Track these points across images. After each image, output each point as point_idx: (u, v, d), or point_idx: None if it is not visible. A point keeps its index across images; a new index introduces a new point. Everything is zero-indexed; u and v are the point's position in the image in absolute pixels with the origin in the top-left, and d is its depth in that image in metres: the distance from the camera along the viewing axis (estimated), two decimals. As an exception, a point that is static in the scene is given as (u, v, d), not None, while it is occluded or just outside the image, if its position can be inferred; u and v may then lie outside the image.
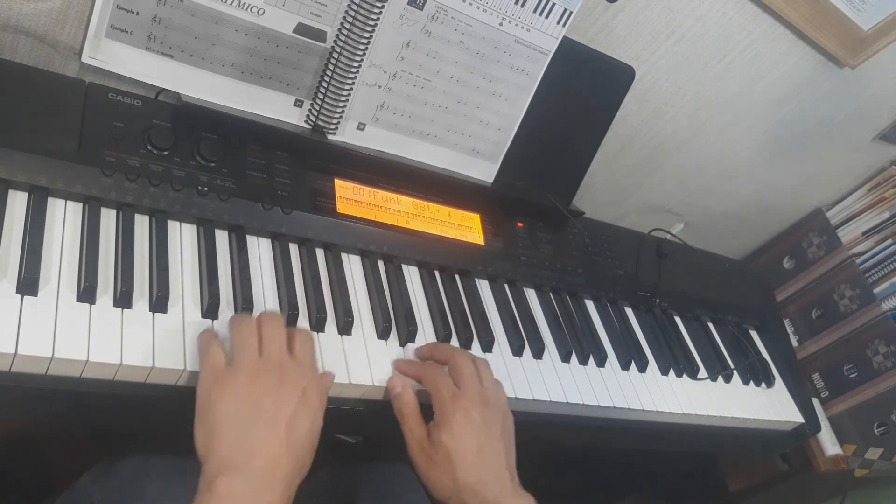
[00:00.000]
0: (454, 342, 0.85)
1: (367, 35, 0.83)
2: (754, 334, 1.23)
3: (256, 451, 0.60)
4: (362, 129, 0.90)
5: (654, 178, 1.31)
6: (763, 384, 1.13)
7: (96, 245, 0.69)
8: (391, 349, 0.80)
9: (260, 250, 0.79)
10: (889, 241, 1.37)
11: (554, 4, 0.89)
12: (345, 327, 0.78)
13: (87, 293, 0.65)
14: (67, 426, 1.05)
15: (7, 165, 0.68)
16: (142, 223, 0.73)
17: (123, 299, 0.67)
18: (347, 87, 0.86)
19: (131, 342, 0.65)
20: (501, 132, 0.98)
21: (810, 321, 1.47)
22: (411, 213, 0.91)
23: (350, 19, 0.82)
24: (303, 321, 0.76)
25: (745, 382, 1.11)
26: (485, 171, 1.00)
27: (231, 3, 0.78)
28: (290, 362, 0.66)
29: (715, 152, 1.29)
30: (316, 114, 0.87)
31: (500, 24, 0.89)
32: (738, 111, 1.21)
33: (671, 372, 1.02)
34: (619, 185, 1.30)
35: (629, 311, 1.08)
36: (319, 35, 0.83)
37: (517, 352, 0.89)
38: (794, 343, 1.47)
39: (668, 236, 1.21)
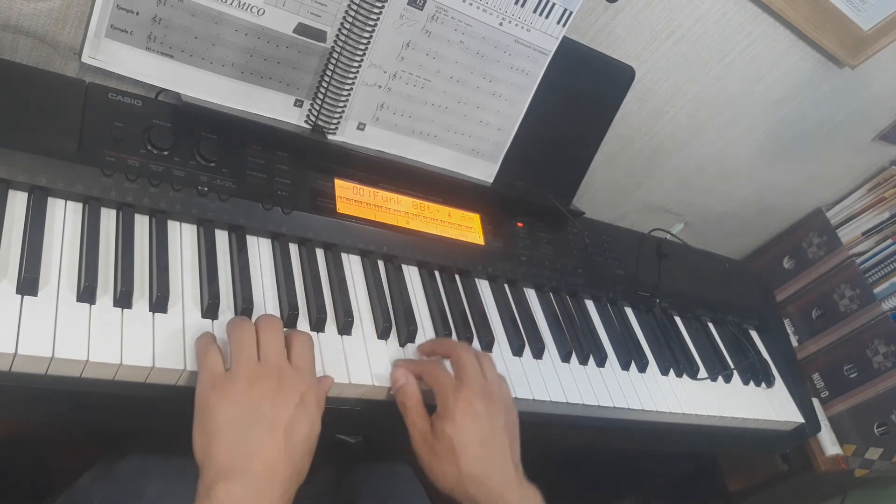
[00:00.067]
0: (454, 342, 0.85)
1: (367, 35, 0.83)
2: (754, 334, 1.23)
3: (255, 457, 0.60)
4: (362, 129, 0.90)
5: (654, 178, 1.31)
6: (763, 384, 1.13)
7: (96, 245, 0.69)
8: (391, 349, 0.80)
9: (260, 250, 0.79)
10: (889, 241, 1.37)
11: (554, 4, 0.89)
12: (345, 327, 0.78)
13: (87, 293, 0.65)
14: (67, 426, 1.05)
15: (7, 165, 0.67)
16: (142, 223, 0.73)
17: (123, 299, 0.67)
18: (347, 87, 0.86)
19: (131, 342, 0.65)
20: (501, 132, 0.98)
21: (810, 321, 1.47)
22: (411, 213, 0.91)
23: (350, 19, 0.82)
24: (303, 321, 0.76)
25: (745, 382, 1.11)
26: (485, 171, 1.00)
27: (231, 3, 0.78)
28: (289, 367, 0.66)
29: (715, 152, 1.29)
30: (316, 114, 0.87)
31: (500, 24, 0.89)
32: (738, 111, 1.21)
33: (671, 372, 1.02)
34: (619, 185, 1.30)
35: (629, 311, 1.08)
36: (319, 35, 0.83)
37: (517, 352, 0.89)
38: (794, 343, 1.47)
39: (668, 236, 1.20)
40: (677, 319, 1.13)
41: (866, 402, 1.36)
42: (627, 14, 1.01)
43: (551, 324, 0.96)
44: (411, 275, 0.89)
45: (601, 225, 1.14)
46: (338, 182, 0.87)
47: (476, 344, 0.87)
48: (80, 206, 0.71)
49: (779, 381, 1.16)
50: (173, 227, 0.75)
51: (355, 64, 0.85)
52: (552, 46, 0.93)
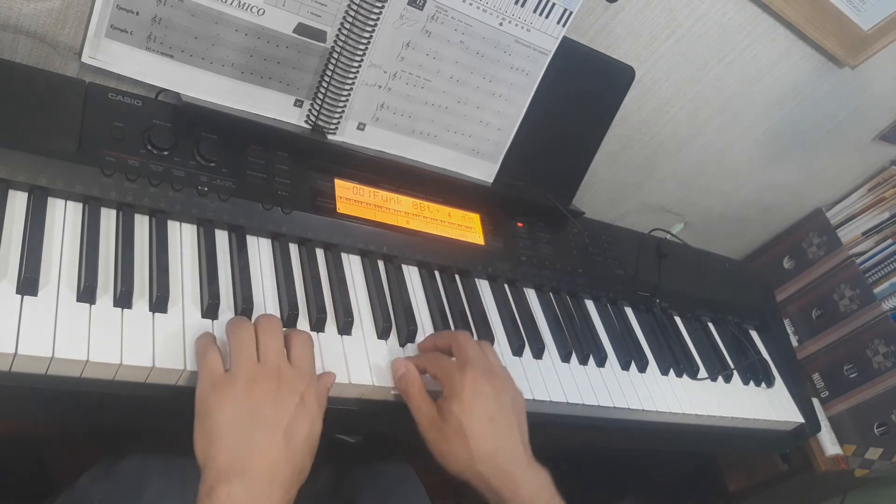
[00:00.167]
0: (454, 342, 0.85)
1: (367, 35, 0.83)
2: (754, 334, 1.23)
3: (255, 458, 0.60)
4: (362, 129, 0.90)
5: (654, 178, 1.31)
6: (763, 384, 1.13)
7: (96, 245, 0.69)
8: (391, 349, 0.80)
9: (260, 250, 0.79)
10: (889, 241, 1.37)
11: (554, 4, 0.89)
12: (345, 327, 0.78)
13: (87, 293, 0.65)
14: (67, 426, 1.05)
15: (7, 165, 0.67)
16: (142, 223, 0.73)
17: (123, 299, 0.67)
18: (347, 87, 0.86)
19: (131, 342, 0.65)
20: (501, 132, 0.98)
21: (810, 321, 1.47)
22: (411, 213, 0.91)
23: (350, 19, 0.82)
24: (303, 321, 0.76)
25: (745, 382, 1.11)
26: (485, 171, 1.00)
27: (231, 3, 0.78)
28: (288, 368, 0.66)
29: (715, 152, 1.29)
30: (316, 114, 0.87)
31: (500, 25, 0.89)
32: (739, 111, 1.21)
33: (671, 372, 1.02)
34: (619, 185, 1.30)
35: (629, 311, 1.08)
36: (319, 35, 0.83)
37: (517, 352, 0.89)
38: (794, 343, 1.47)
39: (668, 236, 1.21)
40: (677, 319, 1.13)
41: (866, 402, 1.36)
42: (627, 14, 1.01)
43: (551, 324, 0.96)
44: (411, 275, 0.89)
45: (601, 225, 1.14)
46: (338, 182, 0.87)
47: (476, 344, 0.87)
48: (80, 206, 0.71)
49: (779, 381, 1.16)
50: (173, 227, 0.75)
51: (355, 64, 0.85)
52: (552, 46, 0.93)
